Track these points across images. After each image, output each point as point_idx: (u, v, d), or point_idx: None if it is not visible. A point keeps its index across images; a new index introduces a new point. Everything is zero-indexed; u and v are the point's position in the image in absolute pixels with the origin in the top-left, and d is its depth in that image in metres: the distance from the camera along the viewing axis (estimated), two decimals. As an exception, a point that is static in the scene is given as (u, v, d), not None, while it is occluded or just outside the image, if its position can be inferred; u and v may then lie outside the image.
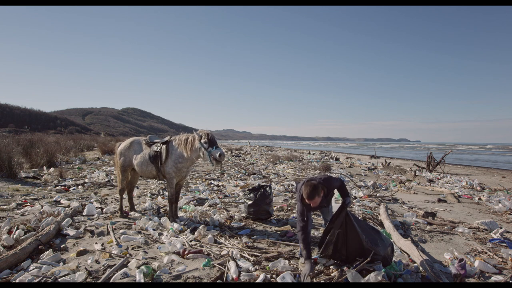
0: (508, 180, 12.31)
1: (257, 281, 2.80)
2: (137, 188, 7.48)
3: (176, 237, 3.97)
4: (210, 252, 3.49)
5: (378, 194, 7.26)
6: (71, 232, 4.03)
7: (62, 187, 7.18)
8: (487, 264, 3.24)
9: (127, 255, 3.33)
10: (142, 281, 2.74)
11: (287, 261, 3.21)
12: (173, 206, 4.69)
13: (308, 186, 2.98)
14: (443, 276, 2.85)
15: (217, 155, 4.18)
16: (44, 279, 2.74)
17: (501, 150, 55.33)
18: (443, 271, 3.12)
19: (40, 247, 3.45)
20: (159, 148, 4.62)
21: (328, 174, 3.48)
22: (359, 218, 3.41)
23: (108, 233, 4.12)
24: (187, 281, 2.84)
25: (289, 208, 5.72)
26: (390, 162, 16.43)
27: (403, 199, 7.06)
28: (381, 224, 4.70)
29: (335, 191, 3.92)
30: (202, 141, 4.28)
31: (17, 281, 2.73)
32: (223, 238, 3.98)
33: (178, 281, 2.85)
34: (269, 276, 2.88)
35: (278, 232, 4.32)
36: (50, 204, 5.53)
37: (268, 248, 3.70)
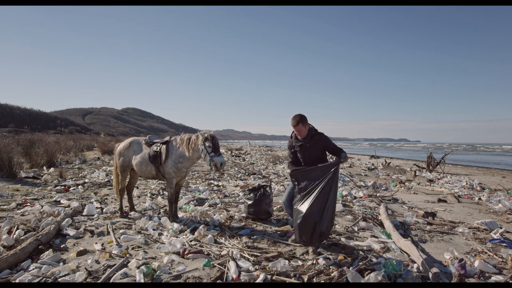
0: (508, 180, 12.32)
1: (257, 281, 2.79)
2: (137, 188, 7.48)
3: (176, 237, 3.97)
4: (210, 252, 3.49)
5: (378, 194, 7.26)
6: (71, 232, 4.03)
7: (62, 187, 7.18)
8: (487, 264, 3.24)
9: (127, 255, 3.33)
10: (142, 281, 2.74)
11: (287, 261, 3.20)
12: (173, 206, 4.69)
13: (295, 115, 3.48)
14: (443, 276, 2.85)
15: (219, 164, 4.14)
16: (44, 279, 2.74)
17: (499, 150, 55.29)
18: (443, 271, 3.12)
19: (40, 247, 3.45)
20: (158, 148, 4.62)
21: None
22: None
23: (108, 233, 4.12)
24: (187, 281, 2.84)
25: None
26: (390, 162, 16.44)
27: (403, 199, 7.06)
28: (381, 224, 4.70)
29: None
30: (207, 144, 4.21)
31: (17, 281, 2.73)
32: (223, 238, 3.98)
33: (178, 281, 2.85)
34: (269, 276, 2.88)
35: (278, 232, 4.32)
36: (50, 204, 5.53)
37: (268, 248, 3.70)
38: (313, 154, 3.54)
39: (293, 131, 3.62)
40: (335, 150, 3.56)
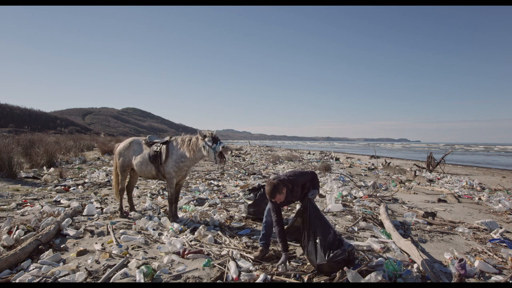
0: (508, 180, 12.31)
1: (257, 281, 2.80)
2: (137, 188, 7.48)
3: (176, 237, 3.97)
4: (210, 252, 3.49)
5: (378, 194, 7.26)
6: (71, 232, 4.03)
7: (62, 187, 7.18)
8: (487, 264, 3.24)
9: (127, 255, 3.33)
10: (142, 281, 2.74)
11: (287, 261, 3.20)
12: (173, 206, 4.69)
13: (268, 185, 3.15)
14: (443, 276, 2.86)
15: (221, 147, 4.26)
16: (44, 279, 2.74)
17: (498, 150, 55.27)
18: (443, 271, 3.12)
19: (40, 247, 3.45)
20: (158, 148, 4.63)
21: (300, 170, 3.62)
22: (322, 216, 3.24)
23: (108, 233, 4.12)
24: (187, 281, 2.85)
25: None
26: (390, 162, 16.43)
27: (403, 199, 7.06)
28: (381, 224, 4.70)
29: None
30: (206, 139, 4.31)
31: (17, 281, 2.73)
32: (223, 238, 3.98)
33: (178, 281, 2.85)
34: (269, 276, 2.88)
35: (278, 232, 4.32)
36: (50, 204, 5.53)
37: (268, 248, 3.69)
38: (296, 198, 3.40)
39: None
40: (312, 184, 3.39)
